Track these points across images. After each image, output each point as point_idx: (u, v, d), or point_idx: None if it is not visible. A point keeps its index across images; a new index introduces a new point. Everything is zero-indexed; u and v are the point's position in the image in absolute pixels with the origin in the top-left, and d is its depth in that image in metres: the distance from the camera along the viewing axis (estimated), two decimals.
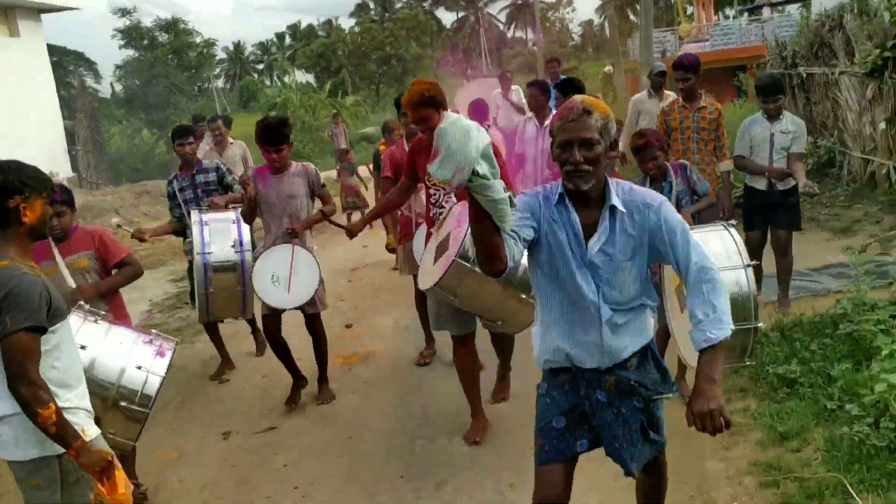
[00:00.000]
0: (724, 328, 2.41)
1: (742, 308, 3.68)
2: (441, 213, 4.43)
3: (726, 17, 34.23)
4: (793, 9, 24.14)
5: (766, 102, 5.46)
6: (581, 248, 2.51)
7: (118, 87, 23.48)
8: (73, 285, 4.05)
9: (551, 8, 72.59)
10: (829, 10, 9.38)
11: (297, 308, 5.00)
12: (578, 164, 2.42)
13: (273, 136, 4.83)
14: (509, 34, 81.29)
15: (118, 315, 4.20)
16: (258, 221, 5.24)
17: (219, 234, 5.22)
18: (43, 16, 16.37)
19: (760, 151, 5.52)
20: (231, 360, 6.18)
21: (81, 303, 3.84)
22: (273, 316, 5.03)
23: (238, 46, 66.99)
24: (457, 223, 4.02)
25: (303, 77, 53.66)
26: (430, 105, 4.13)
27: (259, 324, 5.72)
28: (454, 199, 4.34)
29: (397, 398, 5.22)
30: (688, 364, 3.98)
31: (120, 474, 2.72)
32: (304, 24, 70.85)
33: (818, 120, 9.53)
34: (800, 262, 6.48)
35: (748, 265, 3.79)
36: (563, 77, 7.51)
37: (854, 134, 8.47)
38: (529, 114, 7.24)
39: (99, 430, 2.92)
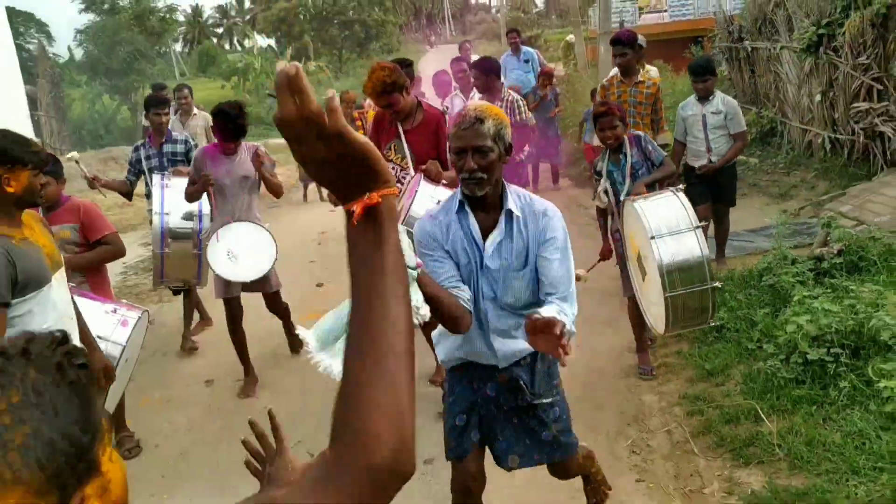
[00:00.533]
0: (572, 326, 2.44)
1: (697, 271, 3.86)
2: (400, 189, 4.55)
3: None
4: None
5: (696, 83, 5.74)
6: (479, 251, 2.58)
7: (77, 52, 23.32)
8: None
9: None
10: None
11: (252, 289, 5.02)
12: (472, 171, 2.48)
13: (233, 129, 4.80)
14: (472, 0, 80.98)
15: (98, 289, 4.24)
16: None
17: (179, 198, 5.17)
18: None
19: (696, 133, 5.79)
20: (209, 318, 6.48)
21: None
22: (234, 299, 5.01)
23: (196, 9, 65.70)
24: (408, 195, 4.12)
25: (263, 42, 53.03)
26: (393, 91, 4.27)
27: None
28: (412, 172, 4.42)
29: None
30: (654, 330, 4.27)
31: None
32: None
33: (762, 92, 10.10)
34: (739, 224, 7.05)
35: (697, 227, 3.90)
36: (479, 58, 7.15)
37: (794, 105, 9.05)
38: (455, 90, 7.59)
39: None
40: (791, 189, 8.42)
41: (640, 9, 27.14)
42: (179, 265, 5.35)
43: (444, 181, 4.11)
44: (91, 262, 4.30)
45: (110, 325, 3.72)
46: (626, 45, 5.76)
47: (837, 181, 8.03)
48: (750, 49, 10.08)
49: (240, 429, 1.51)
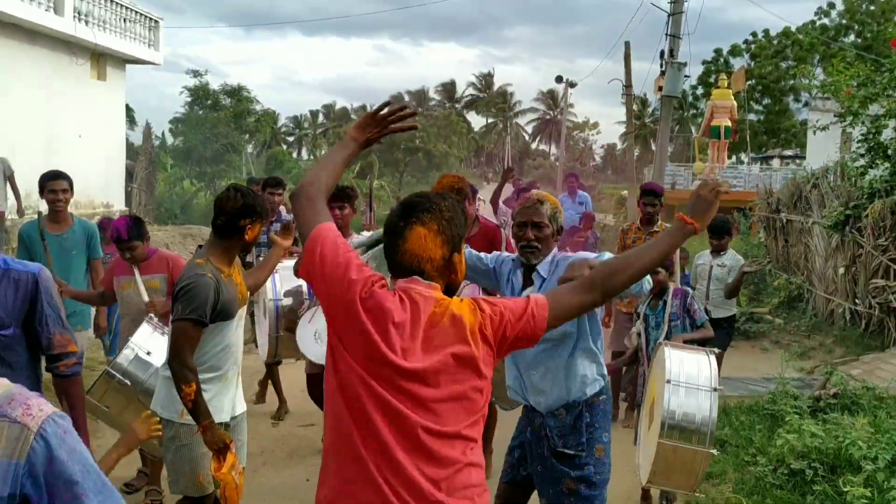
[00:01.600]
0: None
1: (699, 430, 3.60)
2: None
3: (740, 162, 36.43)
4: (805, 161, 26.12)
5: (712, 239, 6.27)
6: None
7: (169, 138, 25.55)
8: (147, 299, 4.50)
9: (577, 128, 75.67)
10: (815, 170, 11.01)
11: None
12: (530, 240, 2.99)
13: (340, 193, 5.11)
14: (533, 145, 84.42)
15: None
16: None
17: (288, 281, 5.30)
18: (127, 66, 18.31)
19: (701, 281, 6.27)
20: (286, 404, 6.58)
21: (152, 315, 4.30)
22: (318, 376, 5.11)
23: (272, 115, 69.66)
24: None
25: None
26: (457, 194, 4.58)
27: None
28: None
29: None
30: (639, 476, 4.13)
31: (231, 457, 3.11)
32: (338, 106, 73.99)
33: (792, 260, 11.01)
34: (757, 373, 7.82)
35: (716, 389, 3.70)
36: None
37: (820, 275, 9.91)
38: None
39: (230, 416, 3.40)
40: (810, 350, 9.14)
41: (694, 175, 28.63)
42: (288, 343, 5.39)
43: None
44: None
45: None
46: (656, 196, 6.19)
47: (853, 349, 8.75)
48: (785, 221, 11.08)
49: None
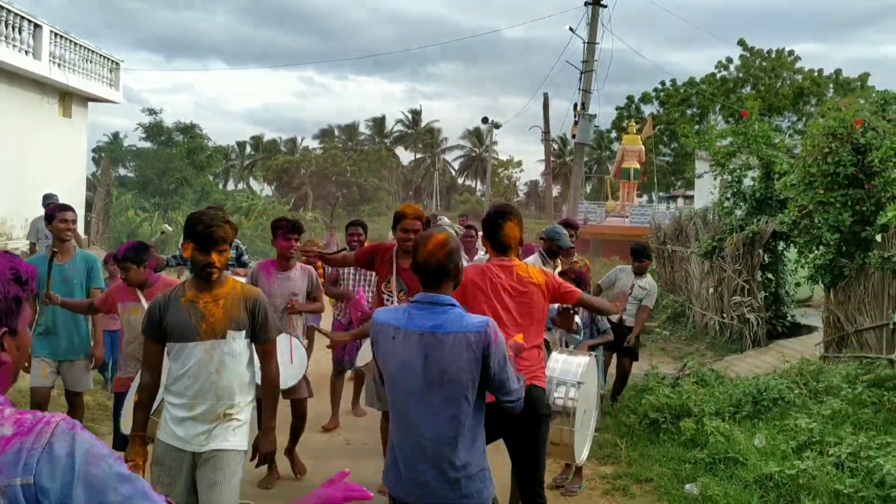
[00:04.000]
0: None
1: (563, 412, 4.16)
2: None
3: (650, 202, 39.57)
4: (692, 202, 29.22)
5: (635, 261, 7.37)
6: None
7: (123, 171, 26.87)
8: None
9: (502, 165, 78.48)
10: (694, 210, 13.43)
11: (285, 396, 5.06)
12: None
13: (295, 225, 5.51)
14: (460, 180, 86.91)
15: None
16: None
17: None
18: (89, 104, 19.68)
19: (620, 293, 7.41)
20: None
21: None
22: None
23: (222, 150, 69.10)
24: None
25: (257, 186, 56.83)
26: (423, 223, 4.96)
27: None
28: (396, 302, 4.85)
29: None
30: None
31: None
32: (266, 138, 73.19)
33: (676, 283, 13.34)
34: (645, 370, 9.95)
35: (577, 383, 4.24)
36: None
37: (696, 294, 12.23)
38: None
39: (167, 441, 3.36)
40: (687, 354, 11.37)
41: (607, 212, 31.40)
42: None
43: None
44: None
45: None
46: (574, 229, 6.91)
47: (720, 352, 11.03)
48: (670, 251, 13.44)
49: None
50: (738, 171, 11.40)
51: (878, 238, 7.75)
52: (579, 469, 5.62)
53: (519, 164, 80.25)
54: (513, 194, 78.69)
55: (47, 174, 17.13)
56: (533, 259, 5.90)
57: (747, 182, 11.65)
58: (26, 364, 5.19)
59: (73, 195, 18.79)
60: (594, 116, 19.69)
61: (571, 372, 4.36)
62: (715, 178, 12.27)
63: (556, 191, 60.39)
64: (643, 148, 30.68)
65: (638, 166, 30.31)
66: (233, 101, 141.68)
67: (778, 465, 5.26)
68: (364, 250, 5.28)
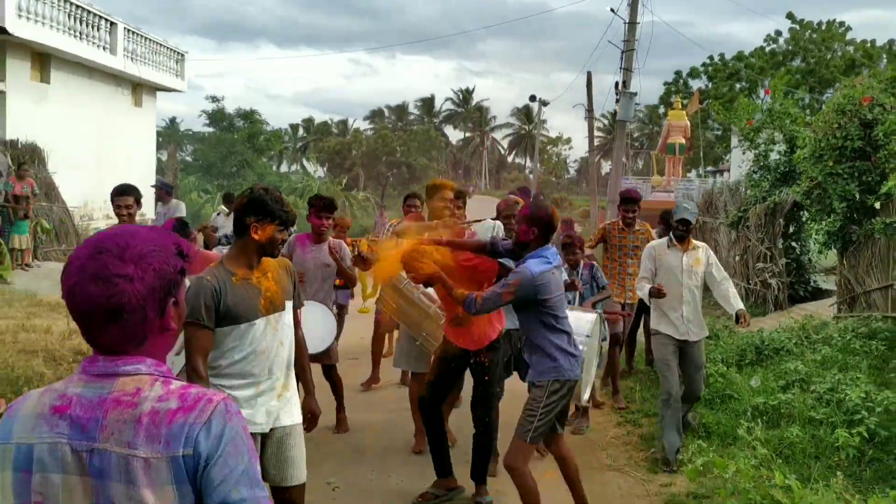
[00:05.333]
0: None
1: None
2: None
3: (699, 176, 39.79)
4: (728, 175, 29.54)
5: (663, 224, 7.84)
6: None
7: (180, 155, 28.62)
8: None
9: (551, 143, 78.69)
10: (727, 183, 14.14)
11: (314, 360, 5.10)
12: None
13: (329, 204, 5.85)
14: (510, 158, 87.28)
15: None
16: None
17: None
18: (157, 93, 21.15)
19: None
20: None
21: None
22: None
23: (279, 134, 70.37)
24: None
25: (310, 168, 58.24)
26: (462, 197, 5.52)
27: None
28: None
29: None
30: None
31: None
32: (317, 120, 74.76)
33: None
34: None
35: (588, 336, 4.82)
36: None
37: (724, 263, 12.99)
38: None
39: (269, 426, 3.29)
40: (714, 318, 12.17)
41: (653, 187, 31.93)
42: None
43: None
44: None
45: None
46: (636, 203, 7.03)
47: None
48: (701, 222, 14.20)
49: None
50: (764, 145, 12.08)
51: (878, 206, 8.45)
52: (585, 410, 6.38)
53: (568, 140, 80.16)
54: (563, 171, 78.73)
55: (123, 159, 18.64)
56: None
57: (774, 156, 12.33)
58: None
59: (145, 179, 20.34)
60: (635, 94, 20.30)
61: (582, 326, 4.96)
62: (743, 153, 12.96)
63: (606, 167, 60.40)
64: (689, 123, 31.02)
65: (683, 141, 30.72)
66: (283, 84, 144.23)
67: (764, 398, 6.16)
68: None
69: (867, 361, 6.97)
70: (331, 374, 6.00)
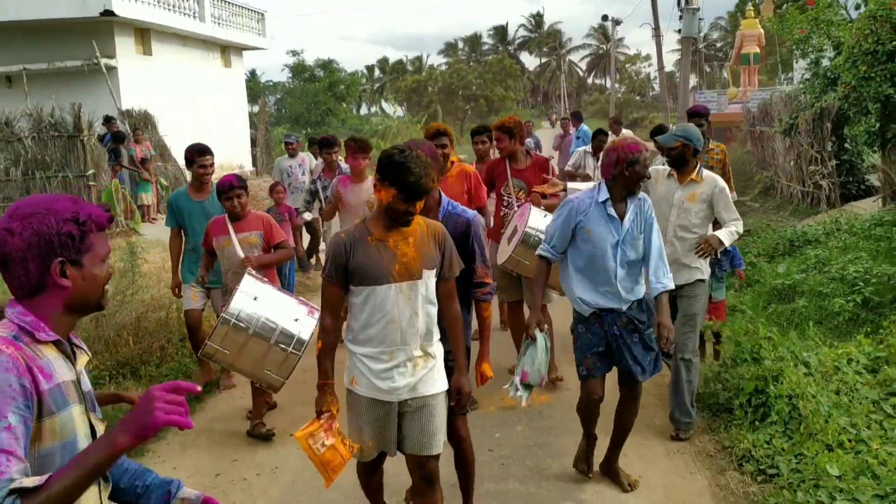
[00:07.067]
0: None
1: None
2: (510, 212, 5.87)
3: (780, 83, 38.97)
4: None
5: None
6: (619, 226, 3.95)
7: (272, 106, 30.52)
8: (242, 255, 4.93)
9: (629, 60, 77.06)
10: (785, 92, 14.68)
11: None
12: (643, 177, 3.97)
13: (363, 145, 6.28)
14: (589, 80, 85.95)
15: (272, 283, 4.94)
16: None
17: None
18: (244, 52, 22.80)
19: None
20: None
21: (250, 269, 4.69)
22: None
23: (358, 79, 70.96)
24: (520, 218, 5.42)
25: (389, 108, 59.13)
26: (511, 131, 5.83)
27: None
28: (516, 201, 5.86)
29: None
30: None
31: (314, 424, 3.15)
32: (391, 59, 74.98)
33: (766, 160, 14.79)
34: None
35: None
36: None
37: (781, 168, 13.71)
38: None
39: (371, 395, 3.20)
40: (773, 221, 13.00)
41: (729, 99, 31.74)
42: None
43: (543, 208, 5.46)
44: (272, 261, 5.18)
45: (304, 313, 4.48)
46: (702, 117, 6.36)
47: (801, 217, 12.59)
48: (759, 131, 14.84)
49: None
50: (814, 53, 12.63)
51: None
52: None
53: (647, 57, 78.14)
54: (648, 89, 77.06)
55: (219, 117, 20.44)
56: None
57: (825, 62, 12.85)
58: (176, 290, 6.01)
59: (240, 135, 22.20)
60: (697, 9, 20.52)
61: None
62: (796, 62, 13.50)
63: (693, 80, 58.76)
64: (762, 31, 30.52)
65: (758, 50, 30.29)
66: (353, 24, 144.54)
67: (782, 279, 7.22)
68: (485, 176, 6.03)
69: (886, 245, 7.84)
70: None
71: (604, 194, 3.96)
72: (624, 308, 4.02)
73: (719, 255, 5.53)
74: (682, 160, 4.84)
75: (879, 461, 3.95)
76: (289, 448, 4.82)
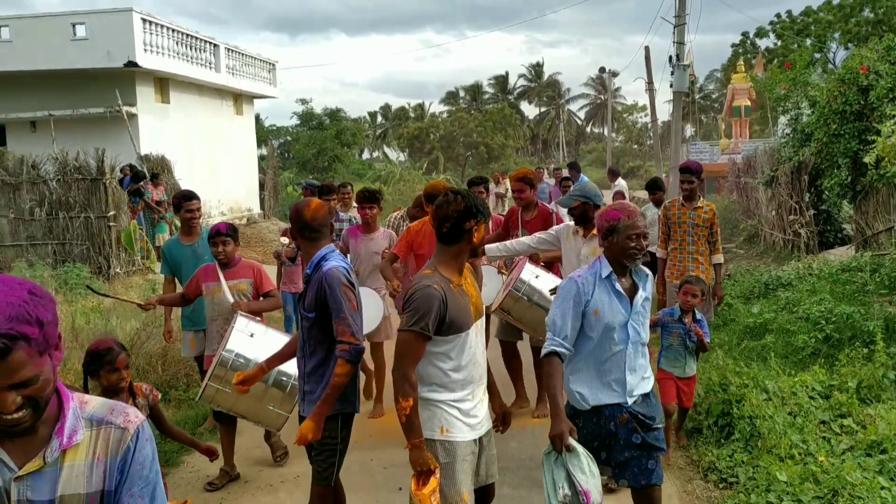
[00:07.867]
0: None
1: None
2: (512, 263, 6.12)
3: (772, 135, 40.10)
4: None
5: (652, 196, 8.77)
6: (629, 305, 3.44)
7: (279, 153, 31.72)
8: (232, 300, 5.02)
9: (627, 110, 78.50)
10: (769, 146, 15.58)
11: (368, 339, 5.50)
12: (642, 249, 3.44)
13: (370, 196, 6.33)
14: (588, 129, 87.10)
15: None
16: None
17: None
18: (255, 101, 23.82)
19: (652, 228, 7.30)
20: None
21: (240, 312, 4.73)
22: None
23: (362, 126, 71.92)
24: (518, 268, 5.70)
25: (392, 154, 60.25)
26: (529, 182, 6.04)
27: None
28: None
29: None
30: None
31: (433, 482, 3.02)
32: (394, 106, 75.98)
33: (750, 209, 15.62)
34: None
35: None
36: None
37: (764, 218, 14.52)
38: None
39: (468, 437, 3.20)
40: (757, 267, 13.75)
41: (722, 150, 32.80)
42: None
43: (542, 262, 5.86)
44: (261, 309, 5.18)
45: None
46: (693, 174, 6.37)
47: (782, 262, 13.34)
48: (743, 182, 15.70)
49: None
50: (793, 110, 13.53)
51: (870, 161, 9.97)
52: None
53: (644, 107, 79.50)
54: (645, 138, 78.21)
55: (230, 162, 21.34)
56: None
57: (805, 119, 13.74)
58: (168, 336, 6.32)
59: (249, 178, 23.08)
60: (688, 66, 21.58)
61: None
62: (777, 118, 14.39)
63: (688, 131, 59.98)
64: (752, 85, 31.69)
65: (748, 103, 31.49)
66: (356, 71, 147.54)
67: (754, 319, 7.93)
68: (504, 221, 6.36)
69: (849, 288, 8.56)
70: (378, 351, 6.33)
71: (606, 268, 3.47)
72: (629, 402, 3.50)
73: (689, 327, 5.25)
74: (584, 217, 5.09)
75: (823, 470, 4.62)
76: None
